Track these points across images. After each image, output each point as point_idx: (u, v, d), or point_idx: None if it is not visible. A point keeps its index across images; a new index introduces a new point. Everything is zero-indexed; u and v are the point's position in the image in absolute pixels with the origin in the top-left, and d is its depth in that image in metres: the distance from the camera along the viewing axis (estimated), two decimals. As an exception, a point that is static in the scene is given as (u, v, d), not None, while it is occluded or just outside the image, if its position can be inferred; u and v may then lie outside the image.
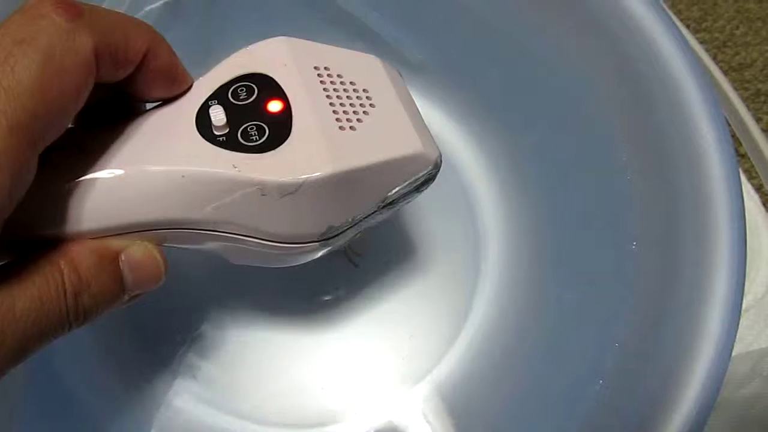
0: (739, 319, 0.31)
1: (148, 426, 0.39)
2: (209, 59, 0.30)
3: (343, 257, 0.43)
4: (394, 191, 0.29)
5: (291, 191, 0.26)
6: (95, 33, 0.23)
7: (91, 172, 0.25)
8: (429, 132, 0.31)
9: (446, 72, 0.46)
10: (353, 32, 0.44)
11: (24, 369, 0.34)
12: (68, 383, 0.38)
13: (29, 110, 0.21)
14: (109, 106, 0.28)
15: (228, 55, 0.30)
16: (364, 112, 0.29)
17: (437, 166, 0.30)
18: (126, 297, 0.27)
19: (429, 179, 0.30)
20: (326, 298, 0.42)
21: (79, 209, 0.25)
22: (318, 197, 0.26)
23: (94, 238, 0.25)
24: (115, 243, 0.26)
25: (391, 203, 0.30)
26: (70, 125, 0.24)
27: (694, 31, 0.62)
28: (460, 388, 0.40)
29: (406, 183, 0.29)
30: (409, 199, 0.31)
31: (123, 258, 0.26)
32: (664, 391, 0.31)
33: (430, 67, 0.45)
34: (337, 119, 0.28)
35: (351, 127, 0.28)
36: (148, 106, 0.29)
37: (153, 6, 0.42)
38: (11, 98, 0.21)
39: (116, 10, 0.27)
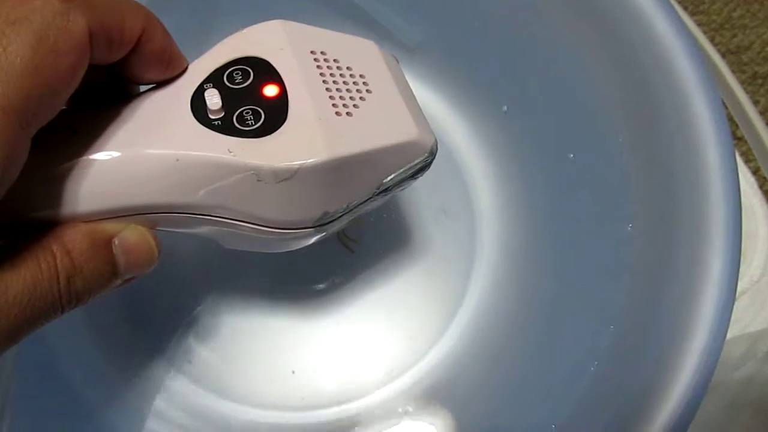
0: (733, 301, 0.32)
1: (144, 412, 0.39)
2: (201, 43, 0.30)
3: (339, 243, 0.43)
4: (389, 178, 0.29)
5: (287, 177, 0.26)
6: (90, 14, 0.23)
7: (84, 155, 0.25)
8: (425, 118, 0.31)
9: (442, 54, 0.45)
10: (348, 14, 0.44)
11: (17, 355, 0.33)
12: (62, 369, 0.38)
13: (22, 92, 0.21)
14: (103, 88, 0.28)
15: (221, 38, 0.29)
16: (360, 97, 0.29)
17: (433, 153, 0.30)
18: (119, 280, 0.27)
19: (425, 166, 0.30)
20: (322, 284, 0.42)
21: (71, 192, 0.25)
22: (314, 183, 0.26)
23: (87, 222, 0.25)
24: (108, 226, 0.26)
25: (386, 190, 0.30)
26: (63, 107, 0.24)
27: (691, 14, 0.61)
28: (455, 372, 0.40)
29: (402, 170, 0.29)
30: (405, 186, 0.31)
31: (116, 242, 0.26)
32: (659, 374, 0.31)
33: (426, 49, 0.45)
34: (334, 105, 0.28)
35: (347, 113, 0.28)
36: (143, 88, 0.29)
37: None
38: (3, 79, 0.20)
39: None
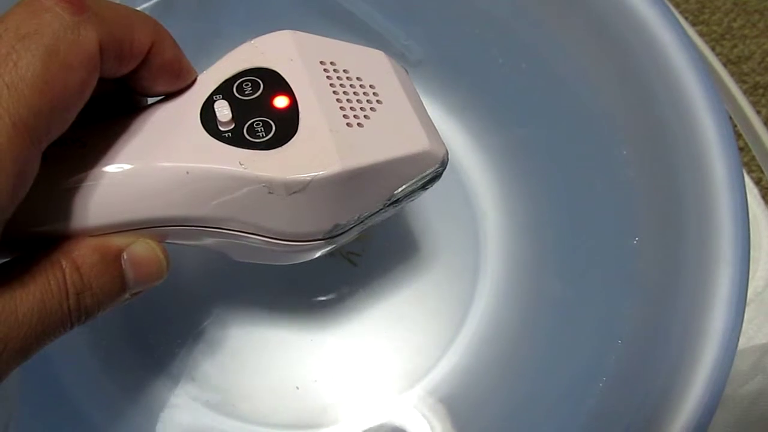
0: (743, 314, 0.31)
1: (147, 429, 0.39)
2: (208, 55, 0.30)
3: (342, 257, 0.42)
4: (401, 189, 0.29)
5: (298, 189, 0.25)
6: (100, 27, 0.23)
7: (93, 168, 0.25)
8: (435, 129, 0.31)
9: (445, 68, 0.45)
10: (350, 28, 0.44)
11: (22, 373, 0.33)
12: (66, 387, 0.38)
13: (33, 107, 0.21)
14: (112, 100, 0.28)
15: (222, 51, 0.29)
16: (371, 108, 0.28)
17: (444, 164, 0.30)
18: (127, 294, 0.26)
19: (436, 176, 0.30)
20: (326, 298, 0.42)
21: (80, 206, 0.25)
22: (325, 195, 0.26)
23: (95, 236, 0.25)
24: (117, 240, 0.25)
25: (397, 201, 0.29)
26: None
27: (692, 24, 0.62)
28: (460, 387, 0.40)
29: (414, 180, 0.29)
30: (415, 197, 0.31)
31: (125, 256, 0.25)
32: (668, 390, 0.31)
33: (429, 62, 0.45)
34: (344, 115, 0.27)
35: (358, 124, 0.27)
36: (151, 100, 0.29)
37: (146, 5, 0.41)
38: (14, 95, 0.20)
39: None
